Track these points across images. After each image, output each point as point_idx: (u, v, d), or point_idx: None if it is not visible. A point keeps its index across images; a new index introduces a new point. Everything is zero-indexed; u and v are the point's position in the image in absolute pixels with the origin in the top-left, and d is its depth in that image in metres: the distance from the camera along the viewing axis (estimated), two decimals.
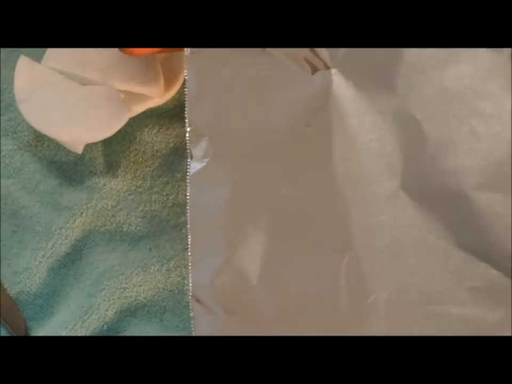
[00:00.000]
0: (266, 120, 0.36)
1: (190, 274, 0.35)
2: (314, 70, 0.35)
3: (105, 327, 0.42)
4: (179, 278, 0.43)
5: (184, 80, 0.37)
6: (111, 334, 0.42)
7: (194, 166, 0.37)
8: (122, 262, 0.43)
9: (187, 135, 0.37)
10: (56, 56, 0.42)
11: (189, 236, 0.36)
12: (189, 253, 0.36)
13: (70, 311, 0.43)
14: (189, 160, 0.37)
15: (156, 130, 0.45)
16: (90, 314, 0.42)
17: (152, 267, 0.43)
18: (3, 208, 0.44)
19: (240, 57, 0.35)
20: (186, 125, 0.37)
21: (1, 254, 0.44)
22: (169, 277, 0.43)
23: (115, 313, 0.43)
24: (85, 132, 0.42)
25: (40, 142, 0.45)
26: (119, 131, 0.42)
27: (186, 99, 0.37)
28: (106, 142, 0.44)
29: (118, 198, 0.44)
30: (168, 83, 0.43)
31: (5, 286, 0.43)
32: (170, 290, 0.43)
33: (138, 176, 0.44)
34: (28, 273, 0.43)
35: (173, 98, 0.45)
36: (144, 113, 0.44)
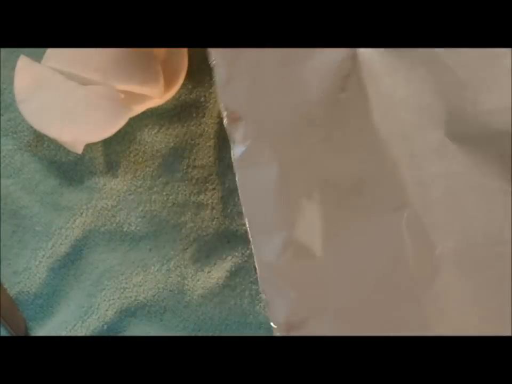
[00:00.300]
0: (300, 93, 0.36)
1: (254, 257, 0.35)
2: None
3: (105, 327, 0.42)
4: (179, 278, 0.43)
5: (212, 68, 0.36)
6: (111, 334, 0.42)
7: (237, 150, 0.36)
8: (122, 262, 0.43)
9: (224, 120, 0.36)
10: (56, 56, 0.42)
11: (246, 220, 0.36)
12: (250, 237, 0.35)
13: (70, 311, 0.43)
14: (232, 144, 0.36)
15: (155, 130, 0.45)
16: (90, 314, 0.42)
17: (152, 267, 0.43)
18: (3, 208, 0.44)
19: None
20: (222, 110, 0.36)
21: (1, 254, 0.44)
22: (169, 277, 0.43)
23: (115, 313, 0.43)
24: (85, 132, 0.42)
25: (40, 142, 0.45)
26: (119, 131, 0.42)
27: (217, 84, 0.36)
28: (106, 142, 0.44)
29: (118, 198, 0.44)
30: (168, 83, 0.43)
31: (5, 286, 0.43)
32: (170, 290, 0.43)
33: (138, 176, 0.44)
34: (28, 273, 0.43)
35: (173, 98, 0.45)
36: (144, 113, 0.44)
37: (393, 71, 0.35)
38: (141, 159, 0.45)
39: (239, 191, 0.36)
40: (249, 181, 0.36)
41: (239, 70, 0.36)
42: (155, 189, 0.44)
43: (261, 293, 0.36)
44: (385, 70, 0.35)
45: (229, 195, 0.44)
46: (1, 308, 0.42)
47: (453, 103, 0.35)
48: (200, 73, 0.45)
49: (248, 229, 0.36)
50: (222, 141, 0.44)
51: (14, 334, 0.42)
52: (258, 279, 0.35)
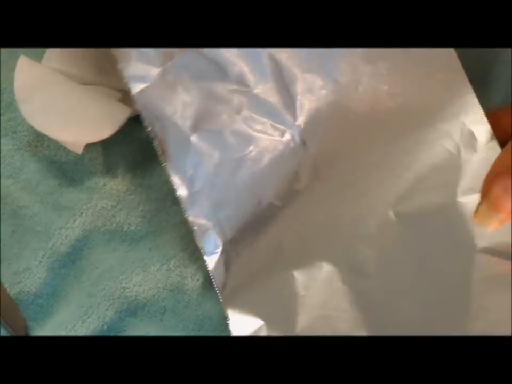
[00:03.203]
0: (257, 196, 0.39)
1: None
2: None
3: (105, 327, 0.42)
4: (179, 278, 0.43)
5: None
6: (111, 334, 0.42)
7: (211, 261, 0.39)
8: (122, 262, 0.43)
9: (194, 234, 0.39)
10: (56, 56, 0.42)
11: None
12: None
13: (70, 311, 0.43)
14: (204, 256, 0.39)
15: None
16: (90, 314, 0.42)
17: (152, 267, 0.43)
18: (3, 208, 0.44)
19: None
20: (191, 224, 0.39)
21: (1, 254, 0.44)
22: (169, 276, 0.43)
23: (115, 313, 0.43)
24: (85, 132, 0.42)
25: (40, 142, 0.45)
26: (119, 131, 0.42)
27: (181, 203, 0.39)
28: (106, 142, 0.44)
29: (118, 198, 0.44)
30: None
31: (5, 286, 0.43)
32: (170, 290, 0.43)
33: (138, 176, 0.44)
34: (27, 273, 0.43)
35: None
36: None
37: None
38: (140, 158, 0.45)
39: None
40: None
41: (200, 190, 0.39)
42: (155, 189, 0.44)
43: None
44: None
45: None
46: (1, 307, 0.42)
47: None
48: None
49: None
50: None
51: (14, 334, 0.42)
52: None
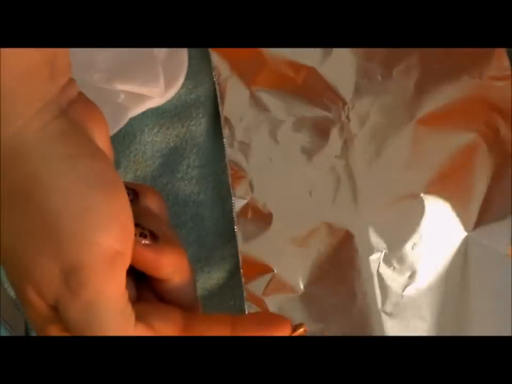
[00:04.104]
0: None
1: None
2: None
3: None
4: None
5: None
6: None
7: (238, 203, 0.42)
8: None
9: (229, 179, 0.43)
10: None
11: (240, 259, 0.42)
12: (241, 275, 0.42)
13: None
14: (233, 197, 0.42)
15: (156, 130, 0.45)
16: None
17: None
18: None
19: None
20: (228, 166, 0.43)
21: None
22: None
23: None
24: None
25: None
26: (119, 131, 0.42)
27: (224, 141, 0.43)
28: None
29: None
30: (168, 83, 0.43)
31: (5, 286, 0.43)
32: None
33: (138, 176, 0.44)
34: None
35: (173, 98, 0.45)
36: (144, 113, 0.44)
37: None
38: (141, 159, 0.45)
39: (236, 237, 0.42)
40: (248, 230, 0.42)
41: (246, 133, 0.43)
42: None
43: None
44: None
45: (229, 195, 0.44)
46: (1, 307, 0.42)
47: None
48: (200, 73, 0.45)
49: (240, 267, 0.41)
50: (222, 141, 0.44)
51: (14, 334, 0.41)
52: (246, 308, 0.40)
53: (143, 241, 0.28)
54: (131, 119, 0.43)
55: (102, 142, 0.29)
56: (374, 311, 0.41)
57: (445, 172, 0.42)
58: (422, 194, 0.42)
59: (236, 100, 0.44)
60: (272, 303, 0.41)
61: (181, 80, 0.44)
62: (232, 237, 0.43)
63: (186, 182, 0.44)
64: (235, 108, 0.44)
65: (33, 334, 0.43)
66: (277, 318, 0.30)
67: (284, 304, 0.41)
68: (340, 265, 0.41)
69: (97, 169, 0.26)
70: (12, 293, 0.43)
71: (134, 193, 0.30)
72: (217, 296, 0.43)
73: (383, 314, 0.41)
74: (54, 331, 0.27)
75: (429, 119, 0.43)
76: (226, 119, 0.43)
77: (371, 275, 0.41)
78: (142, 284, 0.30)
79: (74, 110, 0.28)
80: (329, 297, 0.41)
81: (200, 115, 0.45)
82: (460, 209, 0.42)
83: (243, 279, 0.41)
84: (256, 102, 0.44)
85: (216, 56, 0.44)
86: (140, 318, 0.28)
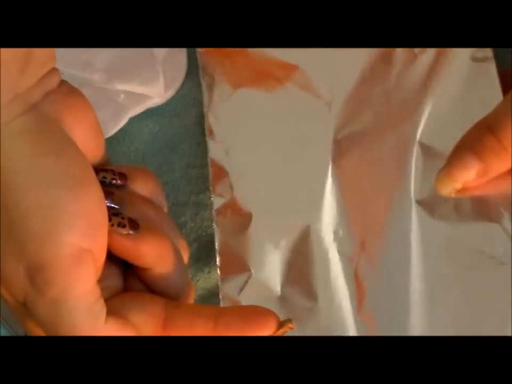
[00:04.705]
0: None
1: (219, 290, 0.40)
2: None
3: None
4: None
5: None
6: None
7: (217, 201, 0.42)
8: None
9: (210, 176, 0.42)
10: (56, 56, 0.41)
11: (217, 259, 0.41)
12: (218, 273, 0.41)
13: None
14: (212, 195, 0.41)
15: (156, 130, 0.45)
16: None
17: None
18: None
19: None
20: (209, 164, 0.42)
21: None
22: None
23: None
24: None
25: None
26: (119, 131, 0.42)
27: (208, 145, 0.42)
28: (107, 142, 0.44)
29: None
30: (168, 83, 0.43)
31: None
32: None
33: None
34: None
35: (173, 98, 0.45)
36: (144, 113, 0.44)
37: None
38: (141, 159, 0.45)
39: (215, 236, 0.41)
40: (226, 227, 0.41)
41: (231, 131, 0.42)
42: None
43: None
44: None
45: None
46: (1, 307, 0.42)
47: None
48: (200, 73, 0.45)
49: (218, 266, 0.40)
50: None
51: (14, 334, 0.41)
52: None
53: (121, 231, 0.28)
54: (131, 119, 0.43)
55: (83, 132, 0.28)
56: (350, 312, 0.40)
57: None
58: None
59: (220, 98, 0.43)
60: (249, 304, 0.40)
61: (180, 80, 0.44)
62: None
63: (186, 182, 0.44)
64: (219, 106, 0.43)
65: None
66: (263, 311, 0.29)
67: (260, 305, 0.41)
68: (316, 266, 0.41)
69: (61, 168, 0.26)
70: None
71: (122, 178, 0.30)
72: (217, 296, 0.43)
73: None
74: (30, 325, 0.27)
75: None
76: (210, 116, 0.43)
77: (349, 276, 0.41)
78: (130, 272, 0.30)
79: (50, 102, 0.27)
80: (306, 299, 0.40)
81: (200, 115, 0.45)
82: None
83: (220, 278, 0.40)
84: (240, 100, 0.43)
85: (202, 55, 0.44)
86: (114, 312, 0.27)
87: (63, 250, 0.25)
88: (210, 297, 0.43)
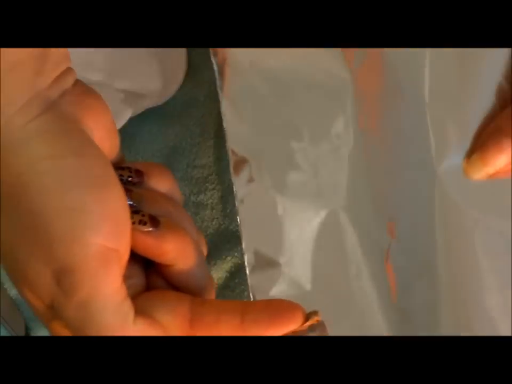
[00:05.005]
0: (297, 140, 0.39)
1: (249, 287, 0.38)
2: None
3: None
4: None
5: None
6: None
7: (241, 191, 0.39)
8: None
9: (231, 163, 0.39)
10: None
11: (245, 255, 0.38)
12: (247, 270, 0.38)
13: None
14: (235, 184, 0.38)
15: (156, 130, 0.45)
16: None
17: None
18: None
19: None
20: (229, 154, 0.39)
21: None
22: None
23: None
24: None
25: None
26: (119, 131, 0.42)
27: (224, 126, 0.39)
28: None
29: None
30: (168, 83, 0.43)
31: (5, 286, 0.43)
32: None
33: None
34: None
35: (173, 98, 0.45)
36: (144, 113, 0.44)
37: None
38: (141, 159, 0.45)
39: (240, 227, 0.38)
40: (252, 218, 0.38)
41: (246, 114, 0.39)
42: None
43: None
44: None
45: (229, 195, 0.44)
46: (1, 307, 0.42)
47: None
48: (200, 73, 0.45)
49: (246, 261, 0.38)
50: (222, 141, 0.44)
51: (14, 334, 0.41)
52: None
53: (142, 229, 0.28)
54: (131, 119, 0.43)
55: (99, 132, 0.28)
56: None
57: None
58: None
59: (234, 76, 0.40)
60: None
61: (180, 80, 0.44)
62: (232, 237, 0.43)
63: (186, 182, 0.44)
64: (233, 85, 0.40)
65: (33, 334, 0.43)
66: (289, 305, 0.28)
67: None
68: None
69: (84, 168, 0.26)
70: (12, 292, 0.43)
71: (139, 175, 0.30)
72: (217, 296, 0.43)
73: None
74: (57, 328, 0.27)
75: None
76: (224, 101, 0.39)
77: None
78: (152, 270, 0.30)
79: (67, 101, 0.27)
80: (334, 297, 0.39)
81: (200, 115, 0.45)
82: None
83: (248, 272, 0.38)
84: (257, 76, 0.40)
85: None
86: (141, 312, 0.27)
87: (90, 251, 0.25)
88: None
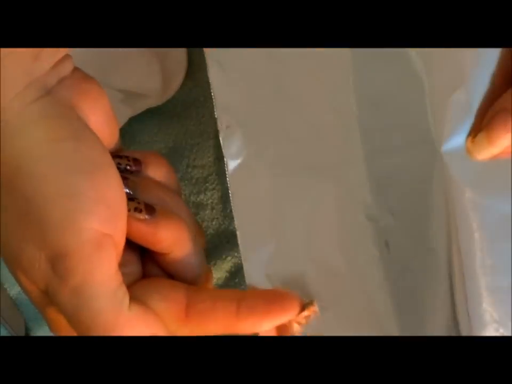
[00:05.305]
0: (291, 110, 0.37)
1: (244, 267, 0.35)
2: None
3: None
4: None
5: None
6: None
7: (232, 164, 0.36)
8: None
9: (220, 133, 0.36)
10: None
11: (237, 232, 0.36)
12: (240, 248, 0.36)
13: None
14: (225, 159, 0.36)
15: (155, 130, 0.45)
16: None
17: None
18: None
19: None
20: (218, 123, 0.37)
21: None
22: None
23: None
24: None
25: None
26: (119, 131, 0.42)
27: (212, 94, 0.37)
28: None
29: None
30: (168, 83, 0.43)
31: (5, 286, 0.43)
32: None
33: None
34: None
35: (173, 98, 0.45)
36: (144, 113, 0.44)
37: None
38: None
39: (231, 202, 0.36)
40: (243, 193, 0.36)
41: (236, 85, 0.36)
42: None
43: None
44: None
45: (229, 195, 0.44)
46: (1, 308, 0.42)
47: None
48: (200, 73, 0.45)
49: (239, 240, 0.35)
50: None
51: (14, 334, 0.41)
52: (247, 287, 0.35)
53: (138, 216, 0.28)
54: (131, 119, 0.43)
55: (97, 118, 0.28)
56: None
57: None
58: None
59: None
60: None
61: (180, 80, 0.44)
62: (232, 237, 0.43)
63: (186, 182, 0.44)
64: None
65: (33, 334, 0.43)
66: (286, 294, 0.28)
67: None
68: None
69: (80, 153, 0.26)
70: (12, 292, 0.43)
71: (137, 164, 0.30)
72: None
73: None
74: (52, 313, 0.27)
75: None
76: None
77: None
78: (148, 258, 0.30)
79: (64, 87, 0.27)
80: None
81: (200, 115, 0.45)
82: None
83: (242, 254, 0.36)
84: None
85: None
86: (136, 299, 0.27)
87: (85, 236, 0.25)
88: None
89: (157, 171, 0.31)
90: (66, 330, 0.27)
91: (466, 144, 0.32)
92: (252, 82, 0.37)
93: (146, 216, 0.28)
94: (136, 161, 0.30)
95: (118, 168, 0.28)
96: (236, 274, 0.43)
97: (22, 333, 0.42)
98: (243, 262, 0.35)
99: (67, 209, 0.25)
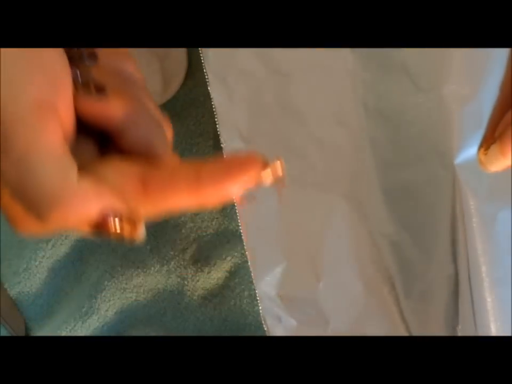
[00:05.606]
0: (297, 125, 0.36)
1: (255, 288, 0.36)
2: None
3: (105, 327, 0.42)
4: (179, 279, 0.43)
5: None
6: (111, 334, 0.42)
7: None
8: (122, 262, 0.43)
9: (223, 150, 0.36)
10: None
11: (247, 253, 0.36)
12: (251, 269, 0.36)
13: (70, 311, 0.43)
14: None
15: None
16: (90, 314, 0.42)
17: (152, 268, 0.43)
18: None
19: None
20: (221, 139, 0.36)
21: (1, 254, 0.44)
22: (169, 277, 0.43)
23: (115, 313, 0.43)
24: None
25: None
26: None
27: (215, 111, 0.36)
28: None
29: None
30: (168, 83, 0.43)
31: (5, 286, 0.43)
32: (170, 291, 0.43)
33: None
34: (27, 273, 0.43)
35: (173, 98, 0.45)
36: None
37: None
38: None
39: (240, 227, 0.36)
40: (251, 216, 0.36)
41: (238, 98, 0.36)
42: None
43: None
44: None
45: None
46: (1, 308, 0.42)
47: None
48: (200, 73, 0.45)
49: (249, 261, 0.36)
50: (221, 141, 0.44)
51: (14, 334, 0.41)
52: (260, 309, 0.36)
53: (87, 93, 0.27)
54: None
55: None
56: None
57: None
58: None
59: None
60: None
61: (180, 80, 0.44)
62: (232, 237, 0.43)
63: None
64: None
65: (33, 334, 0.43)
66: (246, 155, 0.27)
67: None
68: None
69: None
70: (12, 292, 0.43)
71: (91, 55, 0.29)
72: (217, 296, 0.43)
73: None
74: (4, 197, 0.27)
75: None
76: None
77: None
78: (107, 149, 0.29)
79: None
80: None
81: (200, 115, 0.45)
82: None
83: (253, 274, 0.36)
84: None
85: None
86: (88, 171, 0.26)
87: (21, 102, 0.25)
88: (210, 297, 0.43)
89: (117, 62, 0.30)
90: (22, 219, 0.27)
91: (479, 156, 0.32)
92: (256, 98, 0.37)
93: (96, 94, 0.27)
94: (92, 54, 0.30)
95: (71, 58, 0.28)
96: (236, 274, 0.43)
97: (22, 333, 0.42)
98: (255, 284, 0.36)
99: (3, 79, 0.25)
